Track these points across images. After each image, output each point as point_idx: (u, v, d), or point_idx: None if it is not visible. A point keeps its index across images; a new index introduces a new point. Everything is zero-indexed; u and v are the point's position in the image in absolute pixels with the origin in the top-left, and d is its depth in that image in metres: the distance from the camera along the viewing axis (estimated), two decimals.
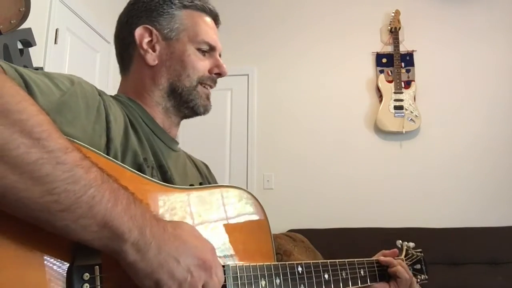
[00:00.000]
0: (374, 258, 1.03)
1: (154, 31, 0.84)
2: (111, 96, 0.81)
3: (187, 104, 0.86)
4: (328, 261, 0.86)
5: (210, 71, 0.88)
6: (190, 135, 3.23)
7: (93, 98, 0.67)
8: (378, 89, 3.50)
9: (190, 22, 0.86)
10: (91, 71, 2.96)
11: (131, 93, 0.85)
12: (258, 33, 3.77)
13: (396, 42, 3.49)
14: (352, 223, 3.23)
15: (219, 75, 0.90)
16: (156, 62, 0.84)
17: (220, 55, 0.92)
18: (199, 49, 0.86)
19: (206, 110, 0.89)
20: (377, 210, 3.30)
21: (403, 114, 3.37)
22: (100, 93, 0.71)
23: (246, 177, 3.55)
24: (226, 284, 0.63)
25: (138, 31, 0.83)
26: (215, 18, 0.92)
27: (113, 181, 0.52)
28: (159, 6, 0.85)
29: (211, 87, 0.90)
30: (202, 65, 0.86)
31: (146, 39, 0.84)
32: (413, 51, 3.51)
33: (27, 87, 0.56)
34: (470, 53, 3.45)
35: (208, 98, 0.89)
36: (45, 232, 0.48)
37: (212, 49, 0.88)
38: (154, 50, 0.84)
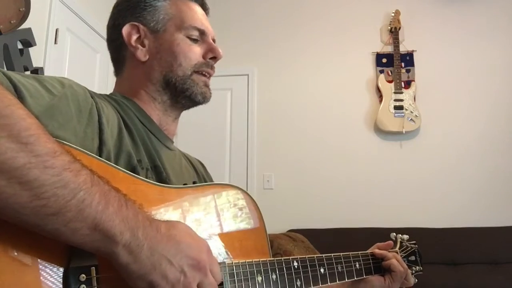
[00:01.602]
0: (368, 251, 1.04)
1: (141, 26, 0.83)
2: (105, 95, 0.80)
3: (183, 94, 0.83)
4: (324, 255, 0.86)
5: (204, 57, 0.85)
6: (190, 135, 3.23)
7: (85, 101, 0.66)
8: (378, 89, 3.50)
9: (174, 11, 0.84)
10: (91, 71, 2.96)
11: (126, 91, 0.84)
12: (258, 33, 3.78)
13: (396, 42, 3.49)
14: (352, 223, 3.23)
15: (214, 58, 0.86)
16: (147, 57, 0.83)
17: (214, 41, 0.88)
18: (189, 37, 0.84)
19: (205, 98, 0.86)
20: (377, 210, 3.30)
21: (403, 114, 3.37)
22: (92, 95, 0.70)
23: (246, 177, 3.55)
24: (223, 281, 0.63)
25: (125, 30, 0.83)
26: (202, 4, 0.90)
27: (104, 183, 0.51)
28: (142, 1, 0.84)
29: (209, 74, 0.87)
30: (194, 52, 0.84)
31: (134, 36, 0.83)
32: (413, 51, 3.51)
33: (16, 91, 0.55)
34: (470, 53, 3.45)
35: (206, 85, 0.86)
36: (39, 234, 0.47)
37: (202, 33, 0.86)
38: (143, 46, 0.83)
